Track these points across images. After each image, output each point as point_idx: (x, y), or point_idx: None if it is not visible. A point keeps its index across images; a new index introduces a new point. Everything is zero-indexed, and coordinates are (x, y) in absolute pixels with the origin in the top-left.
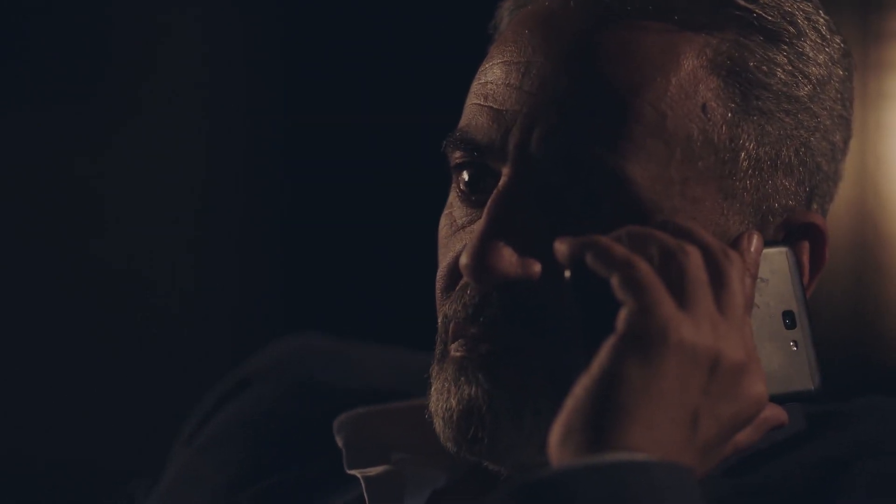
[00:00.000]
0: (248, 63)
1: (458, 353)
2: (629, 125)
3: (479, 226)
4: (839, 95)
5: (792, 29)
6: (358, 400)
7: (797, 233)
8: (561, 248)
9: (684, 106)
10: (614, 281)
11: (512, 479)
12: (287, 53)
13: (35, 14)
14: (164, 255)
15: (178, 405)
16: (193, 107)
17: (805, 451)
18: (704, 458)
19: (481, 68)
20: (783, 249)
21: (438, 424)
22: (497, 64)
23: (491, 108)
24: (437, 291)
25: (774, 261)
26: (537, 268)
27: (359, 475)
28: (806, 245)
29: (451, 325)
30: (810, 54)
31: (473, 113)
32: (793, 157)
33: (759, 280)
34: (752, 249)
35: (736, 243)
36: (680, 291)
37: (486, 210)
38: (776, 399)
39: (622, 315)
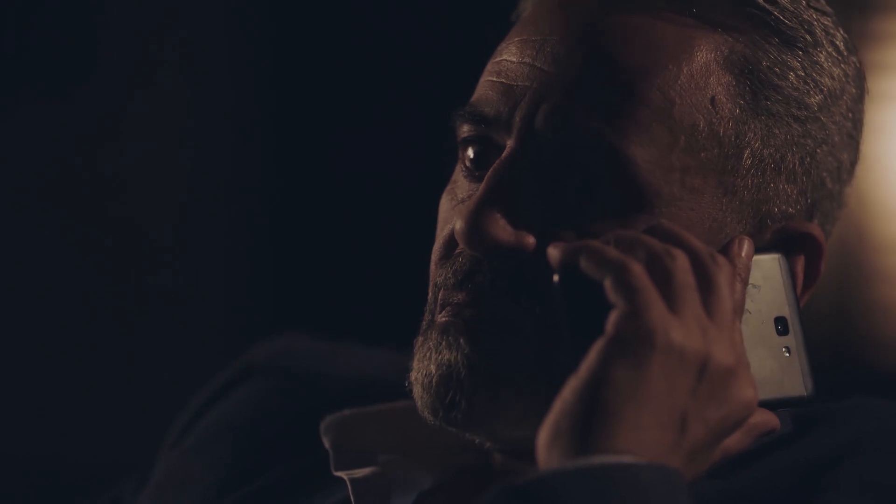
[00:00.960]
0: (234, 61)
1: (442, 319)
2: (636, 107)
3: (477, 193)
4: (850, 114)
5: (809, 37)
6: (346, 396)
7: (794, 242)
8: (553, 252)
9: (693, 96)
10: (607, 283)
11: (500, 481)
12: (274, 55)
13: (15, 11)
14: (153, 256)
15: (165, 406)
16: (179, 106)
17: (791, 453)
18: (692, 461)
19: (497, 48)
20: (775, 256)
21: (417, 391)
22: (514, 42)
23: (502, 83)
24: (432, 264)
25: (767, 267)
26: (531, 240)
27: (345, 477)
28: (801, 257)
29: (440, 292)
30: (825, 65)
31: (485, 88)
32: (797, 165)
33: (750, 286)
34: (743, 254)
35: (726, 248)
36: (668, 295)
37: (486, 178)
38: (768, 404)
39: (612, 317)
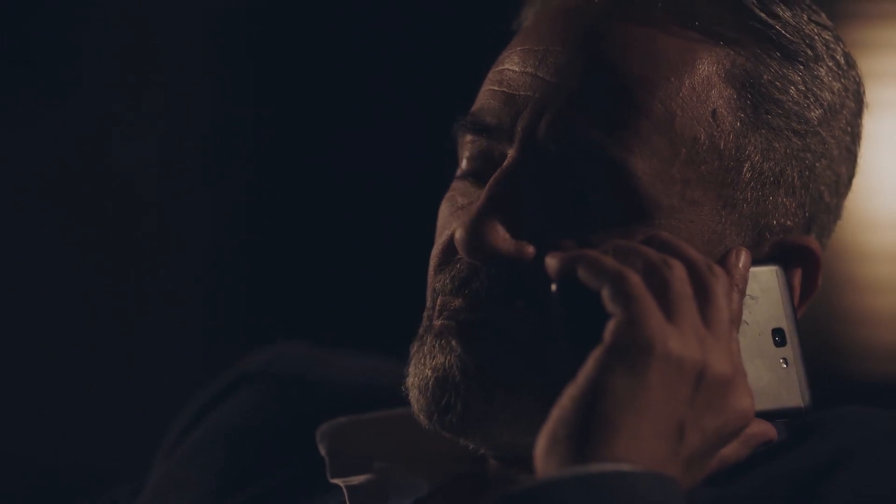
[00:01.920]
0: (214, 62)
1: (438, 323)
2: (637, 119)
3: (477, 202)
4: (849, 128)
5: (810, 52)
6: (341, 403)
7: (792, 254)
8: (551, 262)
9: (695, 108)
10: (605, 293)
11: (497, 489)
12: (255, 59)
13: None
14: (153, 257)
15: (164, 406)
16: (156, 108)
17: (785, 461)
18: (689, 469)
19: (500, 56)
20: (773, 268)
21: (413, 394)
22: (516, 51)
23: (504, 92)
24: (430, 269)
25: (764, 279)
26: (530, 249)
27: (341, 484)
28: (799, 270)
29: (438, 298)
30: (825, 80)
31: (487, 97)
32: (796, 178)
33: (748, 297)
34: (740, 265)
35: (724, 259)
36: (665, 305)
37: (486, 187)
38: (765, 415)
39: (610, 326)
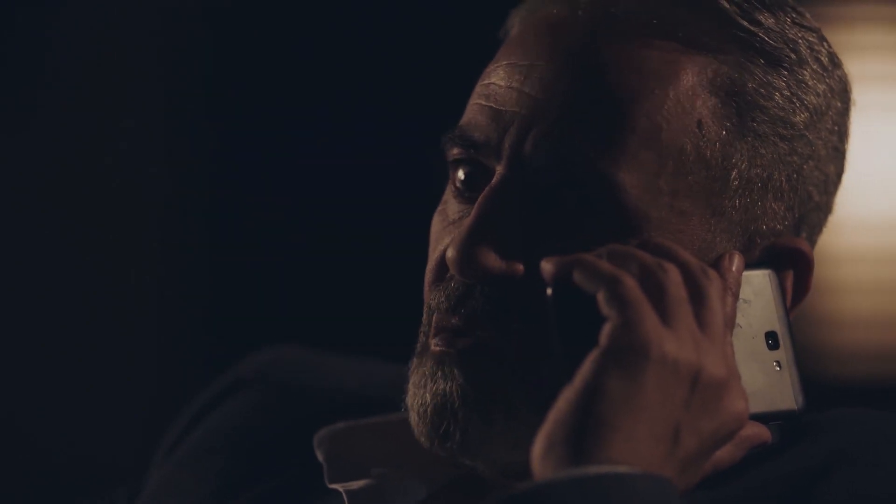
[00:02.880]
0: (172, 65)
1: (437, 348)
2: (623, 133)
3: (467, 220)
4: (836, 128)
5: (794, 56)
6: (339, 406)
7: (783, 257)
8: (547, 266)
9: (680, 120)
10: (600, 296)
11: (495, 492)
12: (214, 65)
13: None
14: (151, 257)
15: (160, 414)
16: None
17: (779, 463)
18: (685, 472)
19: (486, 70)
20: (766, 271)
21: (413, 419)
22: (502, 66)
23: (491, 107)
24: (426, 284)
25: (757, 282)
26: (521, 267)
27: (341, 489)
28: (790, 272)
29: (434, 316)
30: (810, 83)
31: (474, 112)
32: (784, 182)
33: (741, 301)
34: (734, 269)
35: (717, 263)
36: (660, 308)
37: (476, 205)
38: (759, 418)
39: (605, 329)
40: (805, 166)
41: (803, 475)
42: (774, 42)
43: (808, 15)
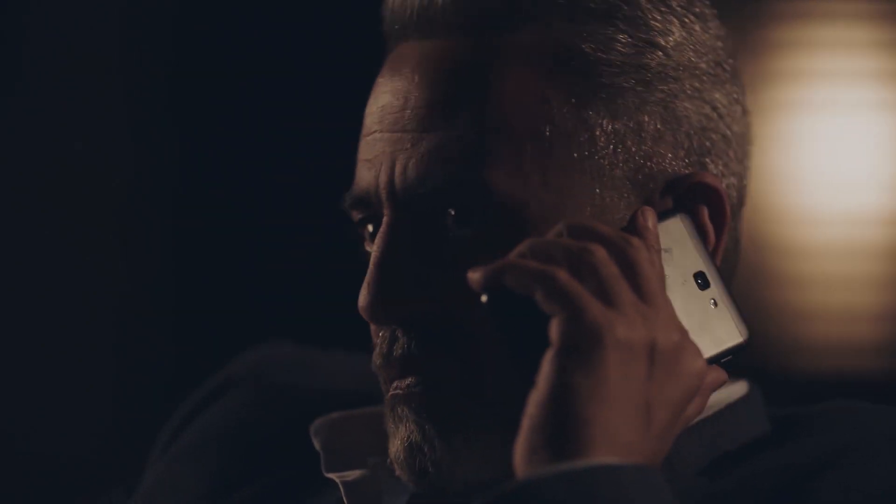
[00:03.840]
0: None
1: (389, 395)
2: (476, 136)
3: (367, 274)
4: (706, 56)
5: (626, 6)
6: (331, 402)
7: (690, 196)
8: (475, 276)
9: (524, 102)
10: (538, 295)
11: (485, 490)
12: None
13: None
14: (152, 257)
15: (160, 412)
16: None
17: (774, 455)
18: (662, 442)
19: (364, 122)
20: (678, 216)
21: (396, 467)
22: (368, 115)
23: (366, 160)
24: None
25: (673, 229)
26: (431, 295)
27: (337, 479)
28: (703, 207)
29: (381, 373)
30: (656, 24)
31: (358, 169)
32: (658, 124)
33: (663, 252)
34: (650, 226)
35: (632, 224)
36: (599, 292)
37: (371, 256)
38: (711, 360)
39: (554, 326)
40: (676, 102)
41: (799, 469)
42: (600, 1)
43: None
